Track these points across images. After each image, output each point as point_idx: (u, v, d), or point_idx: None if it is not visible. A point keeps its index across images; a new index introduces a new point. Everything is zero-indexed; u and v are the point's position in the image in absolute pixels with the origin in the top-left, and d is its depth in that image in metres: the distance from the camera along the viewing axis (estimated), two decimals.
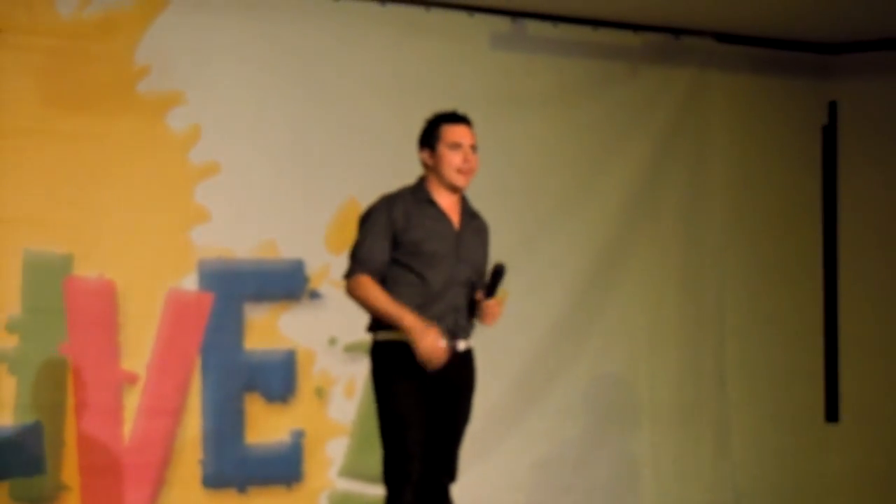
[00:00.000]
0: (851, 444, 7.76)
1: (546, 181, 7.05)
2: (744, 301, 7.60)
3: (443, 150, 4.95)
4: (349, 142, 6.50)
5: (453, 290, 4.88)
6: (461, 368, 4.92)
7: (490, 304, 4.90)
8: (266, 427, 6.25)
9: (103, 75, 5.92)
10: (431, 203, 4.94)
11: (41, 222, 5.82)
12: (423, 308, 4.82)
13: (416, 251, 4.87)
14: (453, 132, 4.97)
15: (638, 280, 7.28)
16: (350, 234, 6.48)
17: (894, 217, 7.70)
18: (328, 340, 6.43)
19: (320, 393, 6.42)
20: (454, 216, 4.96)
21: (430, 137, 5.01)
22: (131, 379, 5.98)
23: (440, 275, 4.86)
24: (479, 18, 6.79)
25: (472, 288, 4.94)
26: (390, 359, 4.85)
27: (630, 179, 7.27)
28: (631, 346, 7.27)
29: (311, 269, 6.39)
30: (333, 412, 6.44)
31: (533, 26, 6.95)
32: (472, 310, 4.93)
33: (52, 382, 5.84)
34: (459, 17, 6.73)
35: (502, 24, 6.88)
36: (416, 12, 6.61)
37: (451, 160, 4.94)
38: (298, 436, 6.34)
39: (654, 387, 7.34)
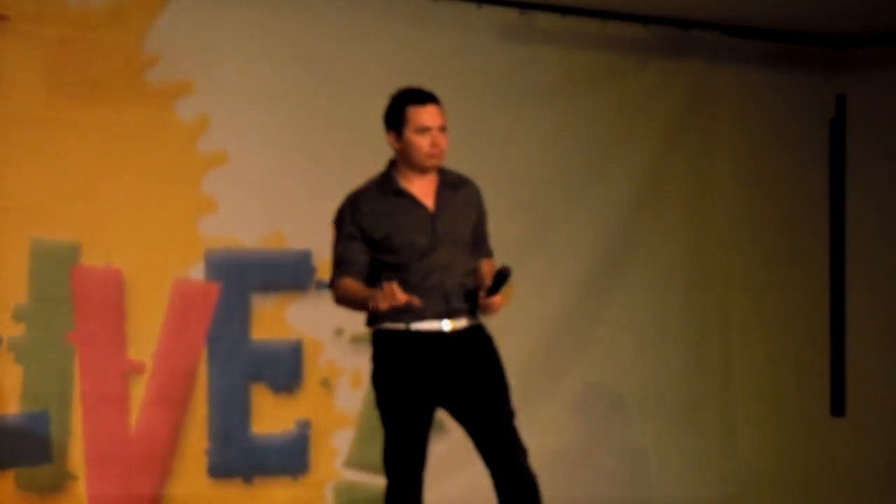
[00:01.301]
0: (857, 437, 7.76)
1: (553, 173, 7.04)
2: (750, 294, 7.60)
3: (410, 134, 4.72)
4: (356, 132, 6.49)
5: (436, 276, 4.67)
6: (464, 345, 4.70)
7: (493, 301, 4.69)
8: (272, 417, 6.25)
9: (112, 65, 5.92)
10: (398, 193, 4.74)
11: (49, 211, 5.83)
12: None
13: (388, 247, 4.69)
14: (421, 115, 4.71)
15: (644, 272, 7.27)
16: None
17: None
18: (335, 331, 6.42)
19: (326, 384, 6.42)
20: (427, 198, 4.74)
21: (395, 120, 4.75)
22: (138, 368, 5.98)
23: (418, 264, 4.67)
24: (488, 10, 6.77)
25: (467, 260, 4.74)
26: (393, 352, 4.71)
27: (637, 172, 7.26)
28: (637, 339, 7.27)
29: (319, 259, 6.38)
30: (340, 403, 6.44)
31: (541, 18, 6.94)
32: (473, 301, 4.72)
33: (58, 371, 5.85)
34: (468, 9, 6.71)
35: (510, 15, 6.87)
36: (424, 4, 6.60)
37: (420, 145, 4.70)
38: (304, 426, 6.35)
39: (661, 380, 7.34)
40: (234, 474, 6.17)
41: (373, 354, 4.80)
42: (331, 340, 6.41)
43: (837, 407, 7.83)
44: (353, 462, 6.47)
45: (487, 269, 4.82)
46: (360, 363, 6.47)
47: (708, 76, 7.44)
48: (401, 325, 4.68)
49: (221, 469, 6.14)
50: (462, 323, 4.72)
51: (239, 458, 6.17)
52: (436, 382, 4.70)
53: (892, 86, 7.72)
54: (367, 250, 4.72)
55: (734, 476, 7.51)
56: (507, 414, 4.72)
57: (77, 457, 5.86)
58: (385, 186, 4.77)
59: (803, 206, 7.80)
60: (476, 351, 4.74)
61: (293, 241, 6.34)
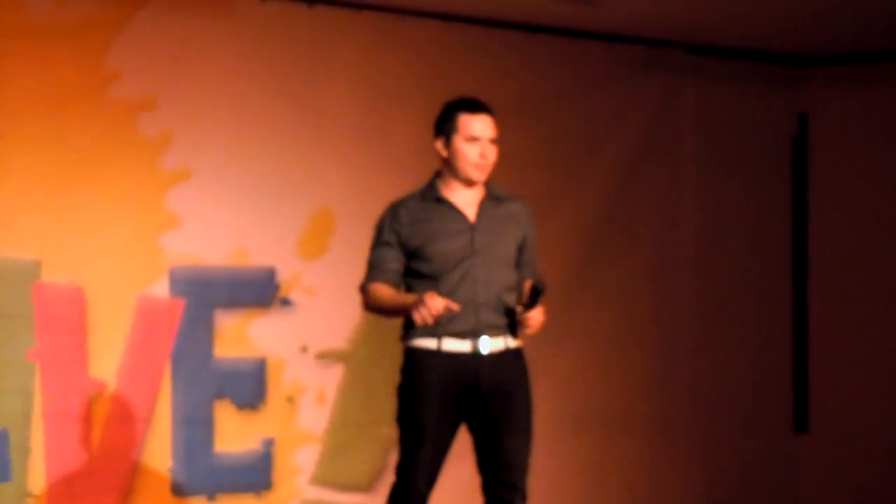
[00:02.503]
0: (820, 454, 7.79)
1: (519, 189, 7.01)
2: (715, 310, 7.62)
3: (458, 142, 4.65)
4: (322, 149, 6.48)
5: (469, 288, 4.60)
6: (497, 372, 4.63)
7: (530, 316, 4.58)
8: (236, 435, 6.22)
9: (74, 79, 5.88)
10: (440, 201, 4.68)
11: (9, 228, 5.77)
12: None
13: (423, 255, 4.63)
14: (472, 123, 4.64)
15: (610, 288, 7.29)
16: (322, 242, 6.47)
17: (863, 228, 7.75)
18: (299, 348, 6.40)
19: (291, 401, 6.39)
20: (469, 209, 4.68)
21: (445, 126, 4.69)
22: (100, 386, 5.94)
23: (451, 274, 4.60)
24: (454, 27, 6.78)
25: (505, 276, 4.67)
26: (421, 369, 4.62)
27: (603, 189, 7.28)
28: (603, 355, 7.27)
29: (283, 276, 6.36)
30: (304, 420, 6.42)
31: (507, 36, 6.95)
32: (511, 317, 4.63)
33: (19, 389, 5.79)
34: (434, 26, 6.72)
35: (476, 32, 6.87)
36: (391, 20, 6.60)
37: (468, 154, 4.64)
38: (268, 444, 6.31)
39: (627, 395, 7.35)
40: (198, 492, 6.13)
41: (402, 367, 4.71)
42: (295, 357, 6.39)
43: (801, 423, 7.86)
44: (318, 480, 6.44)
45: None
46: (325, 380, 6.47)
47: (673, 94, 7.48)
48: (433, 345, 4.62)
49: (185, 487, 6.10)
50: (498, 345, 4.66)
51: (202, 475, 6.13)
52: (461, 406, 4.64)
53: (853, 105, 7.78)
54: (401, 259, 4.67)
55: (699, 493, 7.52)
56: (517, 454, 4.66)
57: (38, 475, 5.80)
58: (428, 194, 4.72)
59: (767, 224, 7.84)
60: (508, 379, 4.66)
61: (257, 258, 6.32)
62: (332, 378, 6.48)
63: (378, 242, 4.74)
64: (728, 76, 7.68)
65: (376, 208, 6.58)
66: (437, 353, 4.62)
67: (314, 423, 6.43)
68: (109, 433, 5.94)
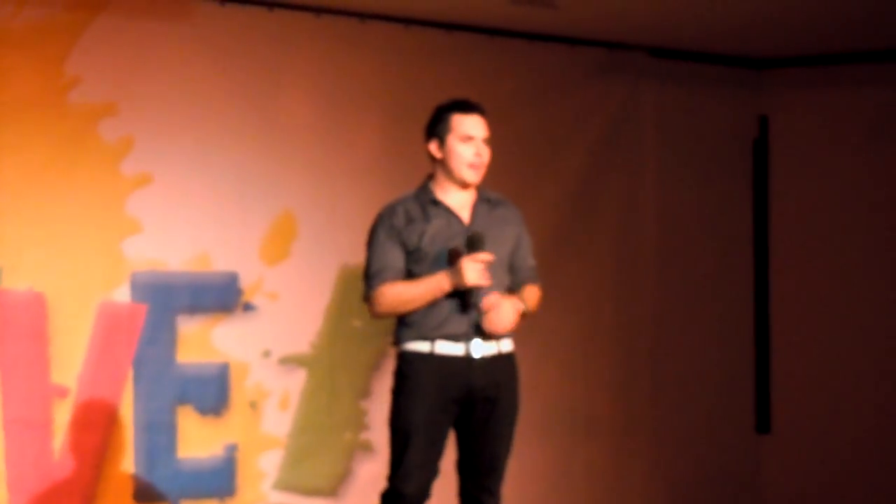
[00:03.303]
0: (782, 454, 7.83)
1: None
2: (676, 311, 7.65)
3: (453, 142, 4.64)
4: (284, 153, 6.47)
5: (463, 290, 4.58)
6: (488, 376, 4.64)
7: (489, 304, 4.58)
8: (199, 440, 6.20)
9: (33, 85, 5.85)
10: (435, 202, 4.67)
11: None
12: (428, 314, 4.59)
13: (419, 257, 4.62)
14: (466, 123, 4.65)
15: (572, 290, 7.30)
16: (284, 246, 6.45)
17: (824, 229, 7.79)
18: (262, 353, 6.38)
19: (254, 406, 6.37)
20: (463, 211, 4.69)
21: (439, 128, 4.68)
22: (62, 392, 5.91)
23: None
24: (414, 31, 6.78)
25: (500, 280, 4.66)
26: (414, 372, 4.62)
27: (564, 191, 7.29)
28: (566, 358, 7.29)
29: (245, 281, 6.34)
30: (267, 425, 6.40)
31: (469, 39, 6.96)
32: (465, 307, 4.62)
33: None
34: (395, 30, 6.72)
35: (437, 36, 6.88)
36: (352, 23, 6.60)
37: (462, 154, 4.63)
38: (231, 449, 6.29)
39: (589, 397, 7.36)
40: (161, 498, 6.10)
41: (395, 370, 4.72)
42: (258, 362, 6.37)
43: (763, 424, 7.89)
44: (282, 484, 6.43)
45: (528, 294, 4.75)
46: (288, 385, 6.45)
47: (633, 97, 7.50)
48: (426, 348, 4.62)
49: (147, 493, 6.07)
50: (491, 349, 4.66)
51: (165, 481, 6.10)
52: (452, 409, 4.65)
53: (813, 107, 7.82)
54: (403, 258, 4.62)
55: (662, 494, 7.55)
56: (496, 460, 4.70)
57: None
58: (422, 196, 4.70)
59: (728, 225, 7.88)
60: (497, 384, 4.68)
61: (219, 263, 6.30)
62: (295, 383, 6.46)
63: (377, 244, 4.67)
64: (689, 78, 7.71)
65: (339, 212, 6.61)
66: (430, 357, 4.62)
67: (277, 428, 6.42)
68: (72, 440, 5.91)
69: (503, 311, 4.65)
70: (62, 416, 5.89)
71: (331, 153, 6.55)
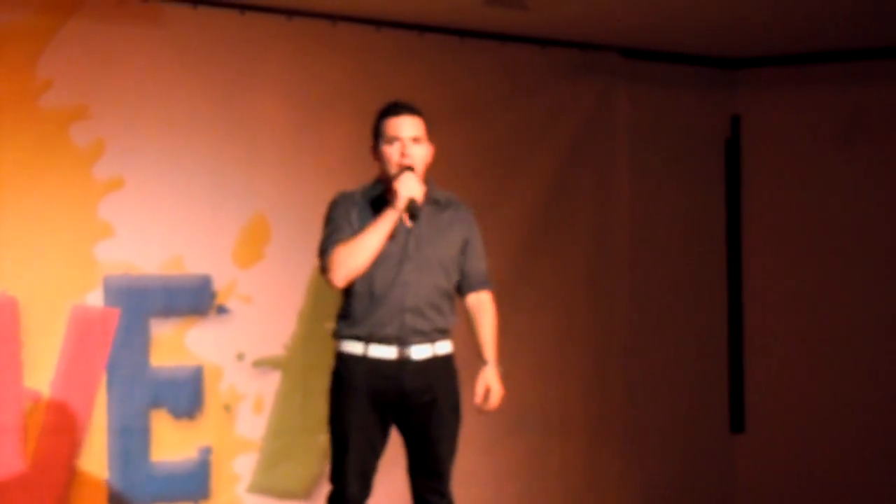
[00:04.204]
0: (757, 454, 7.85)
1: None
2: (650, 311, 7.67)
3: (382, 145, 4.78)
4: (256, 156, 6.46)
5: (399, 291, 4.67)
6: (422, 379, 4.71)
7: (482, 394, 4.82)
8: (173, 444, 6.19)
9: (4, 89, 5.83)
10: (380, 200, 4.74)
11: None
12: (366, 310, 4.67)
13: None
14: (392, 125, 4.77)
15: (546, 290, 7.31)
16: (257, 249, 6.44)
17: (796, 228, 7.82)
18: (236, 356, 6.38)
19: (228, 409, 6.37)
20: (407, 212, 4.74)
21: (374, 134, 4.84)
22: (35, 396, 5.89)
23: (383, 276, 4.68)
24: (386, 33, 6.79)
25: (438, 281, 4.74)
26: (348, 374, 4.70)
27: (537, 192, 7.30)
28: (540, 356, 7.29)
29: (219, 284, 6.34)
30: (241, 428, 6.39)
31: (440, 41, 6.97)
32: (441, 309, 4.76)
33: None
34: (366, 32, 6.72)
35: (409, 38, 6.88)
36: (323, 26, 6.60)
37: (391, 155, 4.75)
38: (206, 452, 6.29)
39: (563, 397, 7.37)
40: (135, 502, 6.09)
41: (332, 371, 4.79)
42: (232, 365, 6.36)
43: (737, 423, 7.92)
44: (256, 487, 6.42)
45: (488, 332, 4.88)
46: (262, 388, 6.44)
47: (606, 97, 7.51)
48: (359, 350, 4.69)
49: (122, 497, 6.06)
50: (425, 352, 4.73)
51: (140, 485, 6.09)
52: (388, 411, 4.71)
53: (785, 106, 7.85)
54: (355, 230, 4.69)
55: (636, 494, 7.56)
56: (441, 460, 4.76)
57: None
58: (369, 193, 4.80)
59: (701, 225, 7.90)
60: (433, 386, 4.75)
61: (192, 266, 6.29)
62: (269, 386, 6.46)
63: (332, 219, 4.76)
64: (661, 79, 7.73)
65: (311, 215, 6.57)
66: (364, 359, 4.68)
67: (251, 430, 6.41)
68: (45, 444, 5.89)
69: (494, 393, 4.84)
70: (35, 420, 5.87)
71: (303, 155, 6.55)
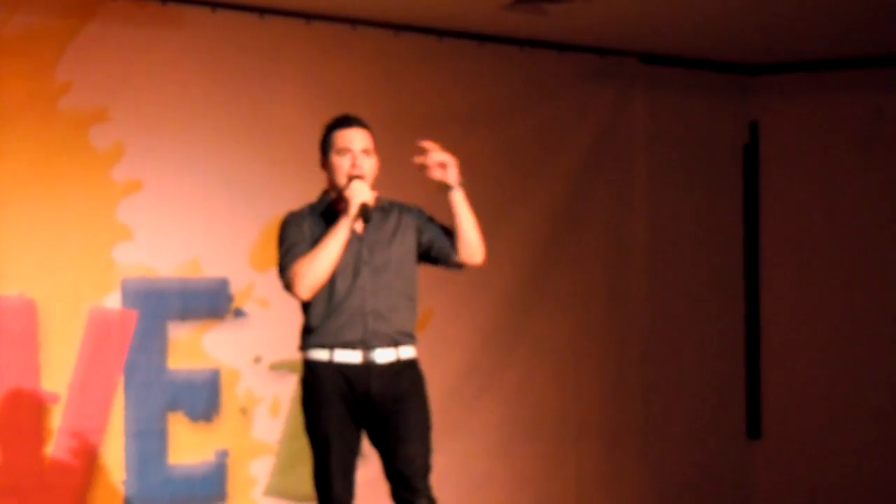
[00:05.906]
0: (773, 460, 7.84)
1: (473, 198, 7.04)
2: (667, 317, 7.66)
3: (332, 157, 4.86)
4: (274, 159, 6.47)
5: (357, 298, 4.77)
6: (388, 382, 4.79)
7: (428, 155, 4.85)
8: (190, 447, 6.20)
9: (23, 92, 5.85)
10: (329, 213, 4.83)
11: None
12: (328, 318, 4.77)
13: None
14: (341, 137, 4.87)
15: (563, 295, 7.31)
16: (275, 252, 6.44)
17: (814, 235, 7.80)
18: (252, 359, 6.39)
19: (245, 412, 6.37)
20: (358, 222, 4.81)
21: (323, 146, 4.92)
22: (52, 399, 5.90)
23: (342, 284, 4.77)
24: (405, 37, 6.79)
25: (397, 285, 4.82)
26: (317, 380, 4.79)
27: (555, 198, 7.30)
28: (557, 361, 7.29)
29: (236, 287, 6.34)
30: (258, 431, 6.40)
31: (460, 45, 6.97)
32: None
33: None
34: (385, 35, 6.72)
35: (428, 42, 6.88)
36: (342, 29, 6.60)
37: (341, 166, 4.83)
38: (222, 455, 6.29)
39: (580, 402, 7.37)
40: None
41: (301, 379, 4.87)
42: (248, 368, 6.37)
43: (753, 429, 7.90)
44: (272, 490, 6.43)
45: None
46: (279, 391, 6.45)
47: (625, 103, 7.51)
48: (325, 356, 4.77)
49: (138, 500, 6.07)
50: (389, 356, 4.81)
51: (156, 488, 6.10)
52: (358, 414, 4.80)
53: (803, 113, 7.84)
54: (310, 244, 4.78)
55: (652, 500, 7.55)
56: (416, 458, 4.79)
57: None
58: (317, 207, 4.90)
59: (719, 231, 7.89)
60: (401, 387, 4.82)
61: (210, 268, 6.30)
62: (285, 389, 6.46)
63: (286, 239, 4.83)
64: (680, 85, 7.72)
65: None
66: (330, 364, 4.78)
67: (268, 434, 6.42)
68: (62, 446, 5.90)
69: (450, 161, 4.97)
70: (53, 422, 5.88)
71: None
